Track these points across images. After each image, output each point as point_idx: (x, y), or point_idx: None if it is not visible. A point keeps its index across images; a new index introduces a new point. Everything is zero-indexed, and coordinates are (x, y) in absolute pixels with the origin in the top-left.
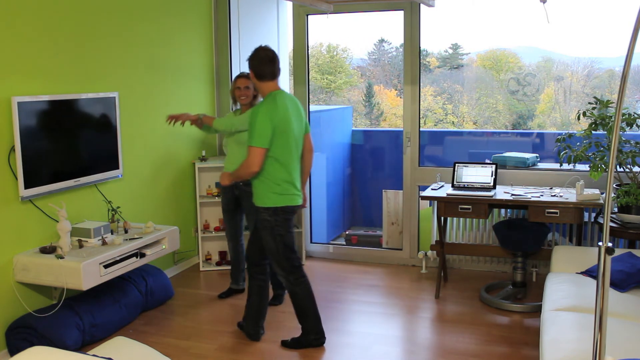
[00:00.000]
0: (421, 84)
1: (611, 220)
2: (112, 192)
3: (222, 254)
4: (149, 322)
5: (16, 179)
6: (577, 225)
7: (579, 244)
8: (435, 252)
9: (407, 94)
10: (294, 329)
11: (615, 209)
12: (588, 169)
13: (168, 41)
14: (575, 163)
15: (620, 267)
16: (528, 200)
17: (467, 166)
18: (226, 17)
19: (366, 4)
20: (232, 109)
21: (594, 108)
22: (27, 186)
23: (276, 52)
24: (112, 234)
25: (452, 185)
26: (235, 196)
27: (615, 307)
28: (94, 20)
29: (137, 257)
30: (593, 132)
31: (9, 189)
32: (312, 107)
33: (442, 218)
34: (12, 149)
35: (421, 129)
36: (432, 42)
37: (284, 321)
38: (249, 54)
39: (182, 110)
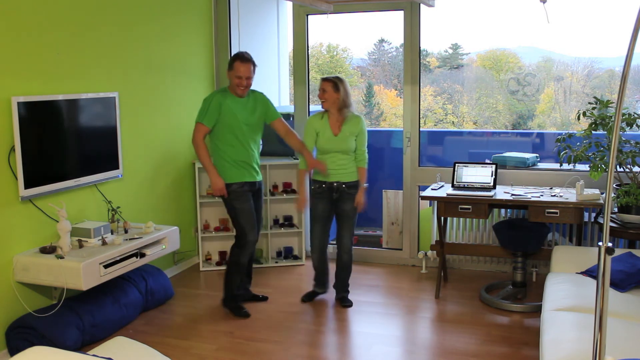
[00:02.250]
0: (421, 84)
1: (611, 220)
2: (112, 192)
3: (221, 254)
4: (149, 322)
5: (16, 179)
6: (577, 225)
7: (579, 244)
8: (435, 252)
9: (407, 94)
10: (294, 329)
11: (615, 209)
12: (588, 169)
13: (168, 41)
14: (575, 163)
15: (620, 267)
16: (528, 200)
17: (467, 166)
18: (226, 17)
19: (366, 4)
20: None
21: (594, 108)
22: (27, 186)
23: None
24: (112, 234)
25: (452, 185)
26: (332, 201)
27: (615, 307)
28: (94, 20)
29: (137, 257)
30: (593, 132)
31: (9, 189)
32: (312, 107)
33: (442, 218)
34: (12, 149)
35: (421, 129)
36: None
37: (283, 321)
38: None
39: (182, 110)
